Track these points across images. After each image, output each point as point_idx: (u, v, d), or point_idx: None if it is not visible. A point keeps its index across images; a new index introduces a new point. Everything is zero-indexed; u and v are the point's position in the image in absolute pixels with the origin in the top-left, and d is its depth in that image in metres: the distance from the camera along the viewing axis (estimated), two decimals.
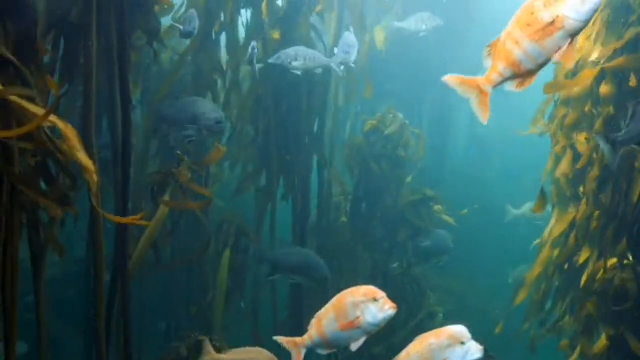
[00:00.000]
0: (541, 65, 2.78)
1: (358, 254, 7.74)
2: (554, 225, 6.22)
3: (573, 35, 2.68)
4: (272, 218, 7.11)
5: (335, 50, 6.13)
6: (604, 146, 4.78)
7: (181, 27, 5.74)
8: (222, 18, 6.51)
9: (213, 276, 6.99)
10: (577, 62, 5.59)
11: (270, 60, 6.15)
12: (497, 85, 2.84)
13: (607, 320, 5.47)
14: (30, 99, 3.68)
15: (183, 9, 6.49)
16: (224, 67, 6.70)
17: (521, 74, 2.80)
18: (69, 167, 3.94)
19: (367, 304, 3.62)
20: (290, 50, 5.97)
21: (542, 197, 5.74)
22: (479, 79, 2.84)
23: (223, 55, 6.83)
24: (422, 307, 8.06)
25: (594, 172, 5.42)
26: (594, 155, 5.46)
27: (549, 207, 6.22)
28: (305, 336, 3.75)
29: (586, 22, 2.65)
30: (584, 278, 5.62)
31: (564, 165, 5.90)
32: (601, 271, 5.42)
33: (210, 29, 6.47)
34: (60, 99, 4.70)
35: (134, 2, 4.91)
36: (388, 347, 7.64)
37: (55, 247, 4.10)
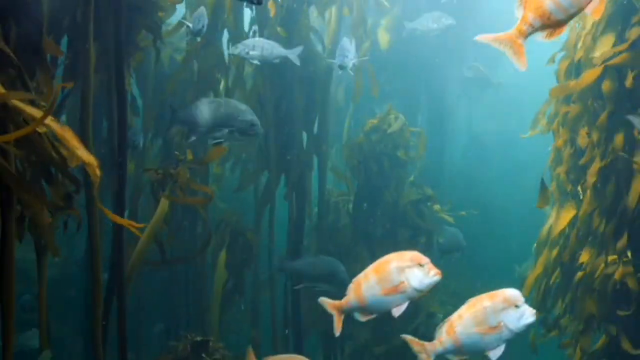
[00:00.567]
0: (572, 16, 2.78)
1: (359, 254, 7.73)
2: (554, 224, 6.20)
3: None
4: (271, 217, 7.10)
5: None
6: (638, 125, 4.87)
7: (190, 25, 5.76)
8: (226, 15, 6.53)
9: (212, 277, 7.00)
10: (579, 58, 5.60)
11: (230, 51, 6.23)
12: (529, 36, 2.84)
13: (607, 318, 5.47)
14: (31, 102, 3.68)
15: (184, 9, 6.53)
16: (227, 63, 6.68)
17: (551, 25, 2.79)
18: (67, 170, 3.92)
19: (413, 270, 3.58)
20: (249, 41, 6.02)
21: (544, 191, 5.74)
22: (511, 32, 2.85)
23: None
24: (422, 307, 8.04)
25: (596, 165, 5.42)
26: (596, 150, 5.45)
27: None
28: (343, 301, 3.71)
29: None
30: (579, 274, 5.62)
31: (566, 159, 5.90)
32: (602, 266, 5.40)
33: (215, 26, 6.46)
34: (66, 100, 4.75)
35: (133, 3, 4.92)
36: (388, 349, 7.67)
37: (52, 248, 4.07)
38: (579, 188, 5.84)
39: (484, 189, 11.56)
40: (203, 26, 5.61)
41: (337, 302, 3.72)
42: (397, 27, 9.21)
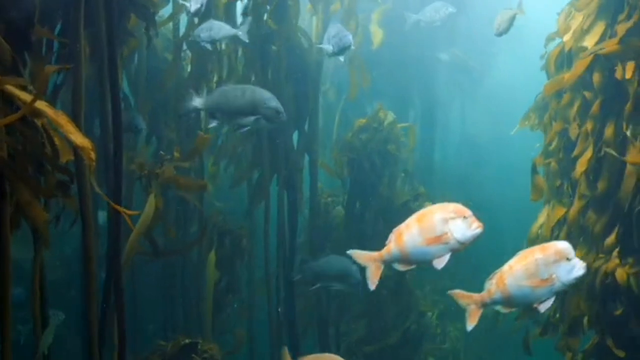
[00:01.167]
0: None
1: None
2: (545, 223, 6.18)
3: None
4: (265, 214, 7.08)
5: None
6: None
7: (189, 4, 5.72)
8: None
9: (204, 275, 6.96)
10: (570, 48, 5.61)
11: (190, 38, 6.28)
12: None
13: (596, 317, 5.44)
14: (23, 88, 3.66)
15: None
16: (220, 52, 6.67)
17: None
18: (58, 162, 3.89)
19: (456, 221, 3.52)
20: (204, 25, 5.95)
21: (536, 184, 5.74)
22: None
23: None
24: (412, 307, 8.04)
25: (587, 155, 5.41)
26: (589, 138, 5.44)
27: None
28: (383, 251, 3.61)
29: None
30: None
31: (556, 153, 5.90)
32: (592, 263, 5.38)
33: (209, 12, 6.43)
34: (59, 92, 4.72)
35: None
36: (381, 348, 7.65)
37: (45, 235, 4.04)
38: (568, 185, 5.83)
39: (477, 188, 11.57)
40: (202, 5, 5.57)
41: (376, 253, 3.61)
42: (390, 22, 9.20)
